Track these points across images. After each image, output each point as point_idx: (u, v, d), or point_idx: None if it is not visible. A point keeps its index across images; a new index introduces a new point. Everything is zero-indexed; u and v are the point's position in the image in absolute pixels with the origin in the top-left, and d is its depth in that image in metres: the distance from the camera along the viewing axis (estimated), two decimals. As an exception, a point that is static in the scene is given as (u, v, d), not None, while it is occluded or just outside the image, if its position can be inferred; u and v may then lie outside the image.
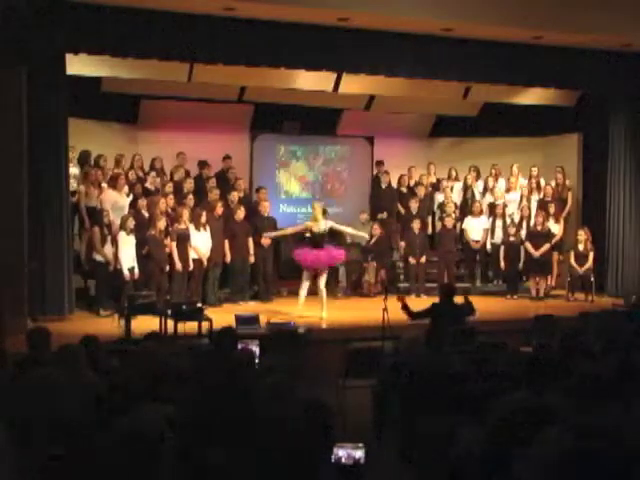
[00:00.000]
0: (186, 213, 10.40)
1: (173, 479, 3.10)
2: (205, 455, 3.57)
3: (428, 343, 6.11)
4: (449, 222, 12.06)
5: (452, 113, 13.72)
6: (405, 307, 7.83)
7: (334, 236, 12.78)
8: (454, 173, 13.24)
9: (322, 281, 9.82)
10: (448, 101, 13.12)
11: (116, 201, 10.39)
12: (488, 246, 12.23)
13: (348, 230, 10.71)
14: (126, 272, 9.74)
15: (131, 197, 10.70)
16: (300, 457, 3.31)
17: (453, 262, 12.11)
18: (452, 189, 12.91)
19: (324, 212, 10.65)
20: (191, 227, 10.39)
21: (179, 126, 12.29)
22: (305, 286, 9.84)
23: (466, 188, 12.94)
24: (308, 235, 10.34)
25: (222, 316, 8.89)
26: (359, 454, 3.58)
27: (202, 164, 11.93)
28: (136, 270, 9.87)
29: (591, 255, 11.73)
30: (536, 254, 11.71)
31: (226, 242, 10.78)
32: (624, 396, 4.07)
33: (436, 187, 13.12)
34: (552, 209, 12.13)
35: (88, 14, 8.94)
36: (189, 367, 5.02)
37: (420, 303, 8.47)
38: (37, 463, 3.22)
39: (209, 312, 8.66)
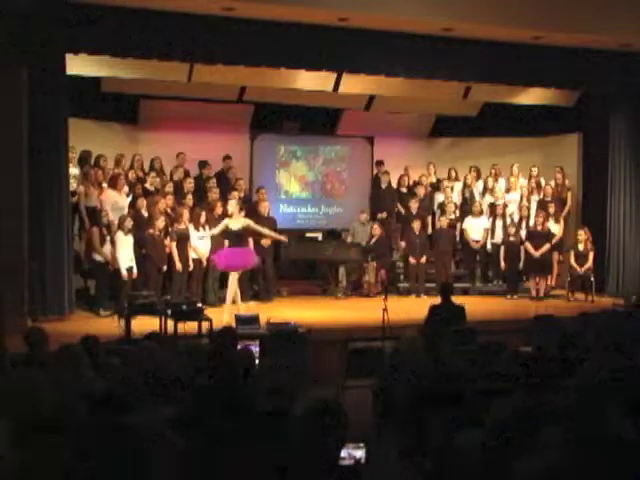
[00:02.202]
0: (186, 213, 10.40)
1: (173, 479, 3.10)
2: (205, 455, 3.57)
3: (427, 343, 6.11)
4: (444, 222, 12.09)
5: (452, 113, 13.73)
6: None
7: (337, 236, 12.85)
8: (454, 173, 13.24)
9: (235, 277, 9.51)
10: (448, 101, 13.12)
11: (116, 201, 10.39)
12: (488, 246, 12.23)
13: (265, 231, 10.29)
14: (124, 272, 9.74)
15: (131, 197, 10.71)
16: (303, 458, 3.30)
17: (449, 262, 12.12)
18: (452, 189, 12.91)
19: (240, 209, 10.17)
20: (190, 227, 10.40)
21: (179, 126, 12.29)
22: (231, 290, 9.48)
23: (466, 188, 12.95)
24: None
25: (222, 316, 8.88)
26: (359, 454, 3.57)
27: (202, 164, 11.94)
28: (134, 270, 9.88)
29: (591, 255, 11.73)
30: (536, 254, 11.71)
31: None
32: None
33: (436, 187, 13.12)
34: (552, 209, 12.13)
35: (88, 14, 8.94)
36: (189, 367, 5.02)
37: (420, 303, 8.48)
38: (37, 463, 3.22)
39: (209, 312, 8.65)
